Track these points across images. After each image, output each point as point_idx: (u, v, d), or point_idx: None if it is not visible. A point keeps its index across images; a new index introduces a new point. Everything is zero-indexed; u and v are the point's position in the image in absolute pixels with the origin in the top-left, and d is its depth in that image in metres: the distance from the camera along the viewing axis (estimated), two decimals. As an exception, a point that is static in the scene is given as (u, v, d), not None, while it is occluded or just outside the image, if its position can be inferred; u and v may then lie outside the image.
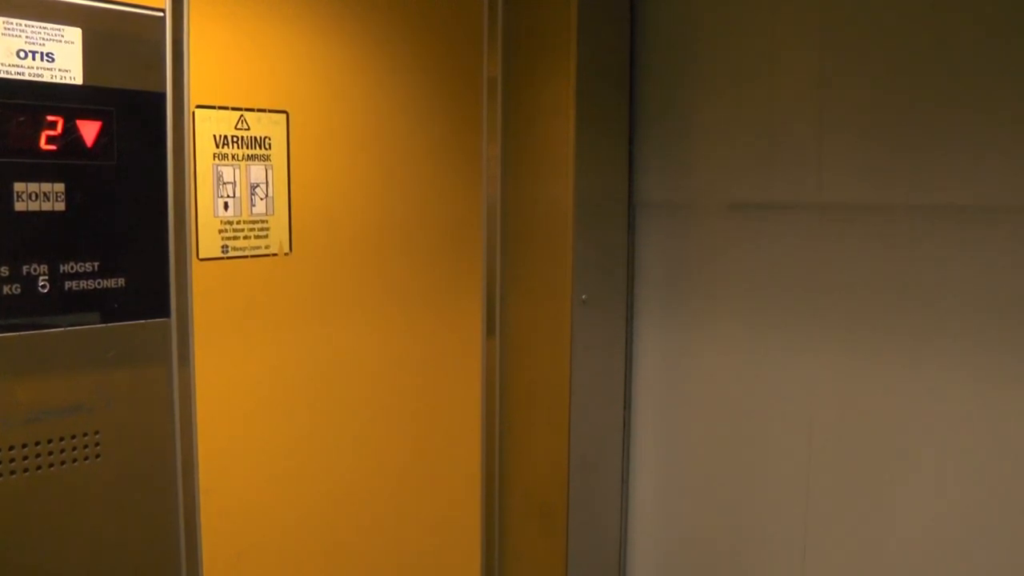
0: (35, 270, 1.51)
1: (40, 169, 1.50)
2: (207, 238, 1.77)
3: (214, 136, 1.77)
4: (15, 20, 1.46)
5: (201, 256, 1.77)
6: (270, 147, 1.86)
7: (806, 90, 1.96)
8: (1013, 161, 1.66)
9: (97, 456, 1.61)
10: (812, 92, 1.94)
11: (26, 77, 1.47)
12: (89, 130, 1.55)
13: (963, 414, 1.75)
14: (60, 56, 1.51)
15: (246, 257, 1.84)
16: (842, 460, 1.95)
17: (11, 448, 1.51)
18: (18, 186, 1.47)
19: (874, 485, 1.89)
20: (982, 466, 1.73)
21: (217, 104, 1.77)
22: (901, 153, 1.81)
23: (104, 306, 1.59)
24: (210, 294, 1.78)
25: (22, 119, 1.48)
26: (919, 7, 1.77)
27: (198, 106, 1.74)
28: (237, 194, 1.82)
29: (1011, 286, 1.67)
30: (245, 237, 1.84)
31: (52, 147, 1.51)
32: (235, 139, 1.80)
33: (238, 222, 1.82)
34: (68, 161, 1.53)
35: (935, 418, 1.79)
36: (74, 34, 1.52)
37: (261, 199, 1.86)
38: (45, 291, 1.52)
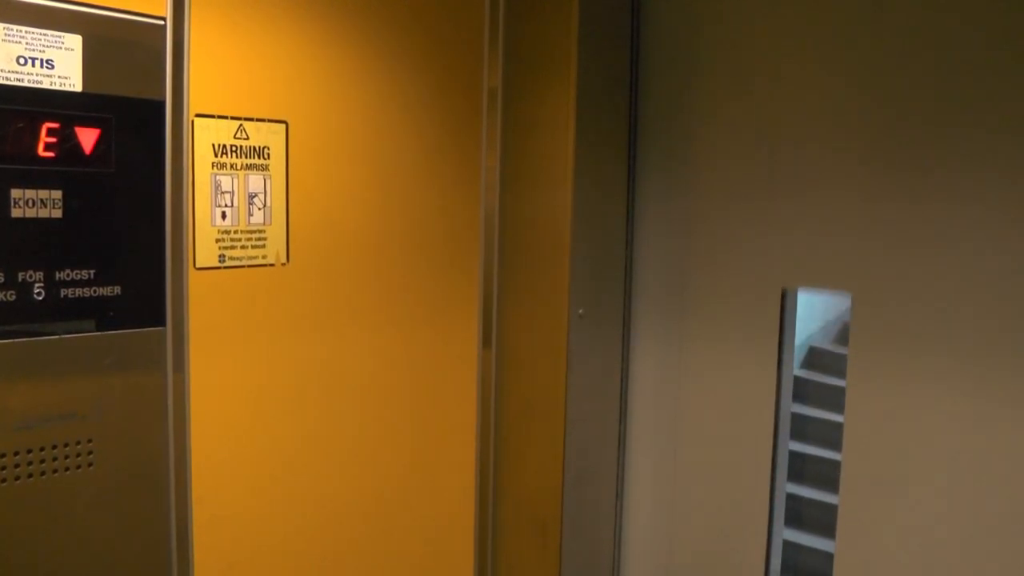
0: (31, 277, 1.50)
1: (38, 175, 1.50)
2: (204, 247, 1.77)
3: (213, 145, 1.77)
4: (15, 26, 1.46)
5: (198, 265, 1.76)
6: (269, 157, 1.86)
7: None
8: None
9: (90, 465, 1.61)
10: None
11: (25, 83, 1.47)
12: (88, 137, 1.55)
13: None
14: (60, 63, 1.51)
15: (243, 267, 1.84)
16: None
17: (2, 456, 1.50)
18: (15, 192, 1.47)
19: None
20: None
21: (216, 113, 1.77)
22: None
23: (99, 314, 1.59)
24: (206, 303, 1.77)
25: (21, 125, 1.48)
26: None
27: (197, 115, 1.73)
28: (235, 203, 1.81)
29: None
30: (242, 247, 1.83)
31: (50, 154, 1.50)
32: (234, 148, 1.80)
33: (235, 231, 1.82)
34: (66, 168, 1.53)
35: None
36: (74, 41, 1.52)
37: (259, 209, 1.85)
38: (40, 298, 1.52)
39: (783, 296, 2.03)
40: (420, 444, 2.23)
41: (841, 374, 1.94)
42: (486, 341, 2.30)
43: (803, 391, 4.33)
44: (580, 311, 2.16)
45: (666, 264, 2.25)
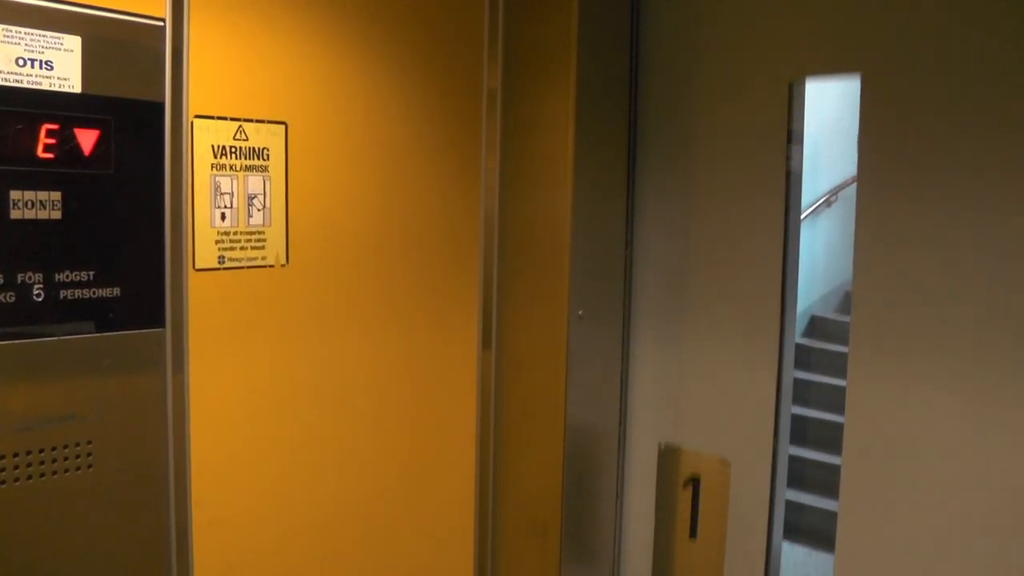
0: (30, 278, 1.50)
1: (37, 177, 1.49)
2: (203, 248, 1.77)
3: (212, 146, 1.77)
4: (14, 28, 1.46)
5: (197, 266, 1.76)
6: (268, 158, 1.86)
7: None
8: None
9: (89, 466, 1.60)
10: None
11: (24, 85, 1.47)
12: (87, 139, 1.55)
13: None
14: (59, 64, 1.51)
15: (242, 268, 1.84)
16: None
17: (2, 457, 1.50)
18: (14, 194, 1.47)
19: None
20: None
21: (216, 114, 1.77)
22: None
23: (99, 315, 1.59)
24: (206, 305, 1.77)
25: (20, 127, 1.48)
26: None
27: (197, 116, 1.73)
28: (234, 205, 1.81)
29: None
30: (242, 248, 1.83)
31: (49, 155, 1.50)
32: (233, 149, 1.80)
33: (235, 233, 1.82)
34: (65, 169, 1.52)
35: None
36: (73, 42, 1.52)
37: (258, 210, 1.85)
38: (40, 300, 1.52)
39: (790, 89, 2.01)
40: (420, 445, 2.23)
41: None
42: (486, 342, 2.30)
43: (805, 358, 4.38)
44: (580, 312, 2.15)
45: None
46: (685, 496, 2.23)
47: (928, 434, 1.80)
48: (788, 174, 2.01)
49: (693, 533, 2.22)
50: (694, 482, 2.20)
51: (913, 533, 1.83)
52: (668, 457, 2.26)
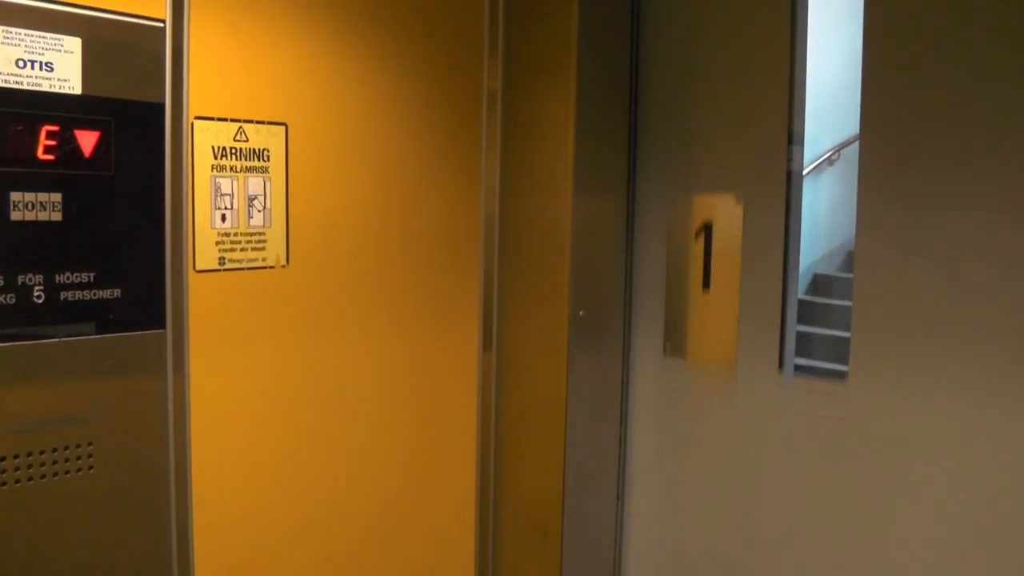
0: (30, 280, 1.50)
1: (37, 178, 1.49)
2: (204, 250, 1.77)
3: (212, 147, 1.77)
4: (15, 29, 1.46)
5: (198, 268, 1.76)
6: (268, 159, 1.86)
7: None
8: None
9: (90, 468, 1.60)
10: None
11: (24, 86, 1.47)
12: (87, 140, 1.54)
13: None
14: (59, 65, 1.51)
15: (243, 269, 1.84)
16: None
17: (2, 459, 1.50)
18: (15, 195, 1.47)
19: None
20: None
21: (216, 115, 1.77)
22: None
23: (99, 317, 1.59)
24: (206, 306, 1.77)
25: (20, 128, 1.48)
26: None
27: (197, 117, 1.73)
28: (235, 206, 1.81)
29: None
30: (242, 249, 1.83)
31: (50, 157, 1.50)
32: (233, 151, 1.80)
33: (235, 234, 1.82)
34: (65, 171, 1.52)
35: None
36: (74, 44, 1.52)
37: (259, 211, 1.85)
38: (40, 301, 1.52)
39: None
40: (421, 447, 2.23)
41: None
42: (486, 343, 2.30)
43: (808, 314, 4.42)
44: (581, 312, 2.15)
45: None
46: (697, 247, 2.15)
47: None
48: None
49: (707, 283, 2.15)
50: (706, 229, 2.12)
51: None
52: (679, 205, 2.20)
